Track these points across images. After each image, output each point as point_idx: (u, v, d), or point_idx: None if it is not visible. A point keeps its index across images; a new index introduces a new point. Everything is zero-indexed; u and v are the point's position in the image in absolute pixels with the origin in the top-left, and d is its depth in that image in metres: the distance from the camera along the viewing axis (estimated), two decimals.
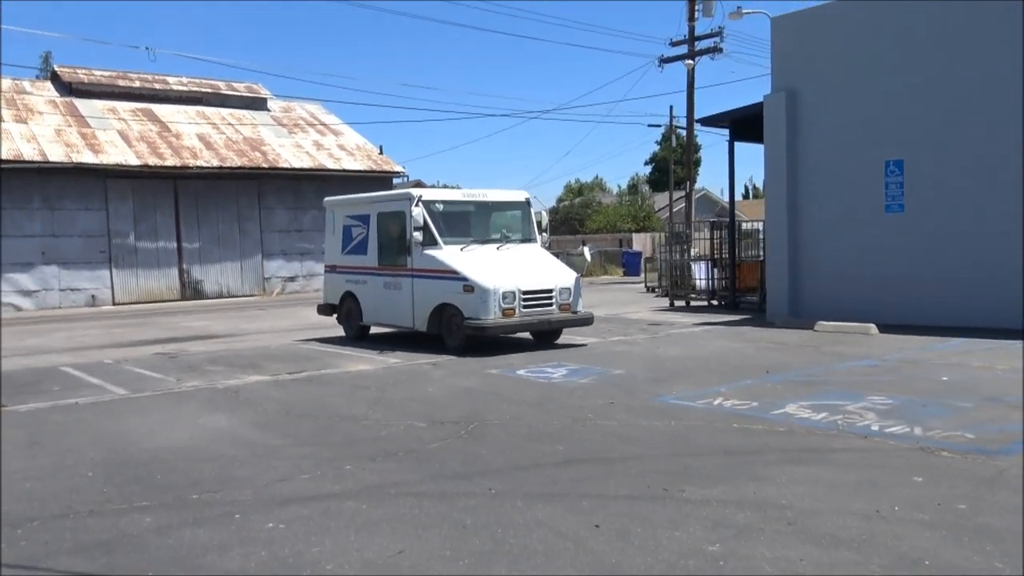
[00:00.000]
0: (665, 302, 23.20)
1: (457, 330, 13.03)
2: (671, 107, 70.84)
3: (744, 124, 20.19)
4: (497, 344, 13.49)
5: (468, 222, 14.36)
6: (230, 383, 10.75)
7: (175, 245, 29.22)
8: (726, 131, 20.46)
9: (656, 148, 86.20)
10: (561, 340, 14.08)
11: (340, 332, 15.89)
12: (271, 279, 31.49)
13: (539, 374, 10.78)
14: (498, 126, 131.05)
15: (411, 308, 13.75)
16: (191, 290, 29.52)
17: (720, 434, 7.22)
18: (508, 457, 6.63)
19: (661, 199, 66.51)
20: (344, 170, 33.08)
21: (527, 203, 14.75)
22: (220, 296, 29.95)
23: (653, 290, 28.00)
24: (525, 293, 12.96)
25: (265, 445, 7.28)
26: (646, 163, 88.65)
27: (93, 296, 27.67)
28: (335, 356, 13.20)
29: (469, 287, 12.72)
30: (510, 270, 13.22)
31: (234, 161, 30.33)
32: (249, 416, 8.61)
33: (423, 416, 8.29)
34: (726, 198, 75.72)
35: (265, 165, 30.99)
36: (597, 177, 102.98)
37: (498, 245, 13.93)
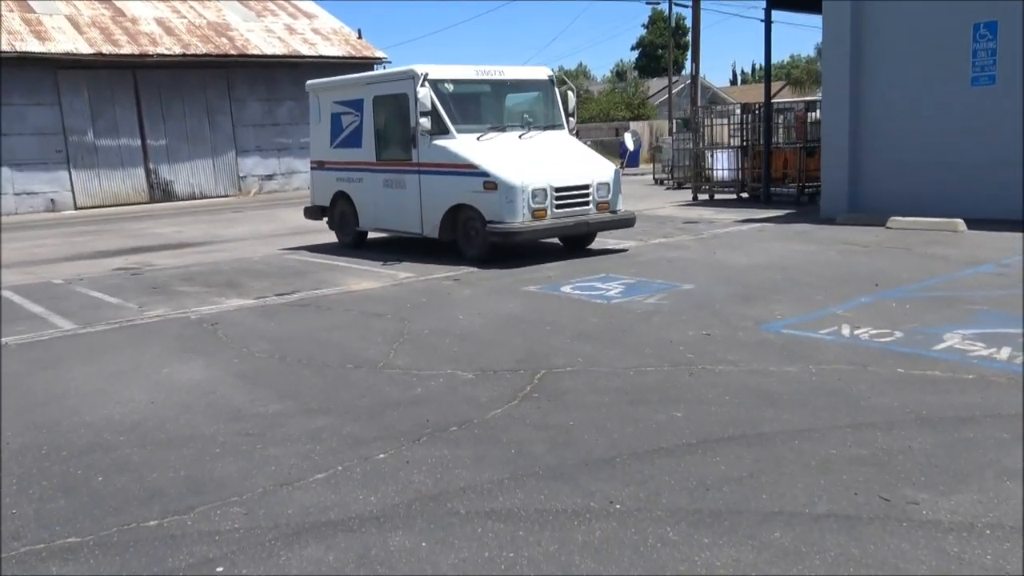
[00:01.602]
0: (683, 195, 21.02)
1: (477, 236, 10.84)
2: None
3: None
4: (523, 252, 11.33)
5: (483, 105, 11.96)
6: (205, 311, 8.59)
7: (139, 143, 26.46)
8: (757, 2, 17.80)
9: (643, 32, 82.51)
10: (595, 245, 11.94)
11: (332, 238, 13.67)
12: (247, 178, 28.92)
13: (590, 291, 8.68)
14: (483, 7, 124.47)
15: (418, 210, 11.50)
16: (160, 192, 26.95)
17: (893, 387, 5.19)
18: (610, 434, 4.57)
19: (653, 85, 63.37)
20: (321, 56, 30.12)
21: (551, 82, 12.33)
22: (192, 198, 27.42)
23: (662, 182, 25.77)
24: (558, 190, 10.73)
25: (257, 415, 5.19)
26: (632, 48, 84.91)
27: (52, 200, 25.08)
28: (331, 270, 11.02)
29: (491, 184, 10.46)
30: (538, 163, 10.94)
31: (198, 48, 27.27)
32: (232, 363, 6.49)
33: (466, 360, 6.20)
34: (718, 84, 72.57)
35: (233, 52, 27.96)
36: (581, 64, 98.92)
37: (520, 133, 11.59)
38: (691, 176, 21.51)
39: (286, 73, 29.22)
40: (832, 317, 7.06)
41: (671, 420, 4.73)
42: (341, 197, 13.13)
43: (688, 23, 67.70)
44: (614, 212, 11.37)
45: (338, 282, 9.98)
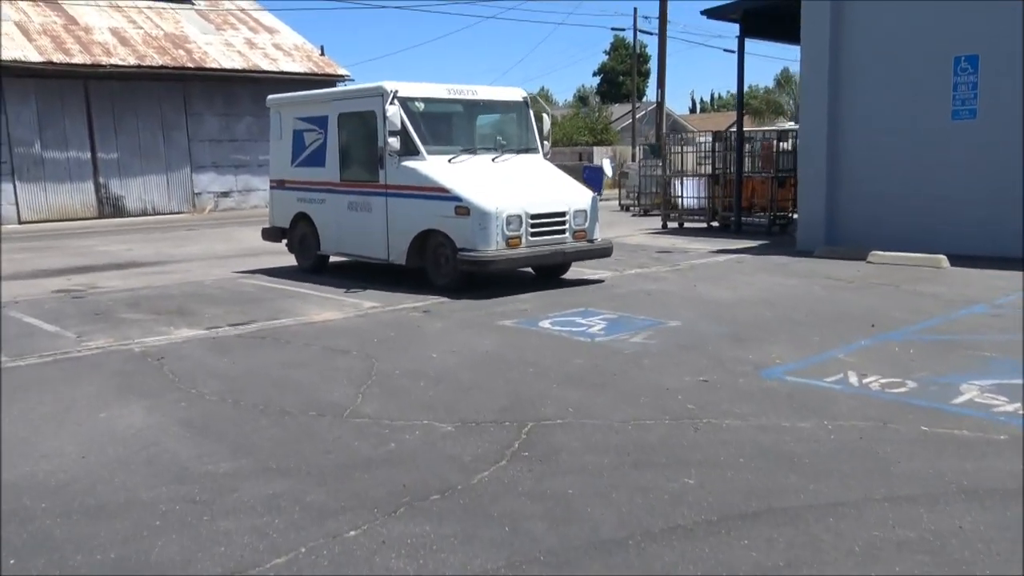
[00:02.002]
0: (652, 223, 20.65)
1: (447, 264, 10.24)
2: (635, 9, 66.62)
3: (759, 17, 17.36)
4: (495, 281, 10.75)
5: (455, 126, 11.41)
6: (151, 342, 7.84)
7: (89, 156, 25.41)
8: (733, 26, 17.54)
9: (605, 59, 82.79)
10: (570, 275, 11.40)
11: (291, 261, 12.95)
12: (202, 195, 27.98)
13: (571, 328, 8.11)
14: (447, 27, 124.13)
15: (385, 235, 10.86)
16: (110, 207, 25.88)
17: (922, 450, 4.68)
18: (617, 506, 3.98)
19: (615, 110, 63.45)
20: (282, 72, 29.36)
21: (525, 103, 11.82)
22: (144, 214, 26.38)
23: (628, 208, 25.43)
24: (533, 217, 10.18)
25: (205, 475, 4.50)
26: (594, 74, 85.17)
27: None
28: (290, 297, 10.31)
29: (463, 209, 9.87)
30: (512, 188, 10.39)
31: (154, 59, 26.38)
32: (179, 407, 5.78)
33: (443, 408, 5.57)
34: (678, 111, 72.98)
35: (191, 65, 27.11)
36: (543, 89, 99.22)
37: (494, 156, 11.04)
38: (658, 203, 21.16)
39: (246, 88, 28.42)
40: (835, 362, 6.57)
41: (684, 489, 4.16)
42: (302, 219, 12.43)
43: (650, 51, 68.16)
44: (591, 241, 10.84)
45: (298, 311, 9.29)
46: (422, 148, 10.44)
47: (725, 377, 6.20)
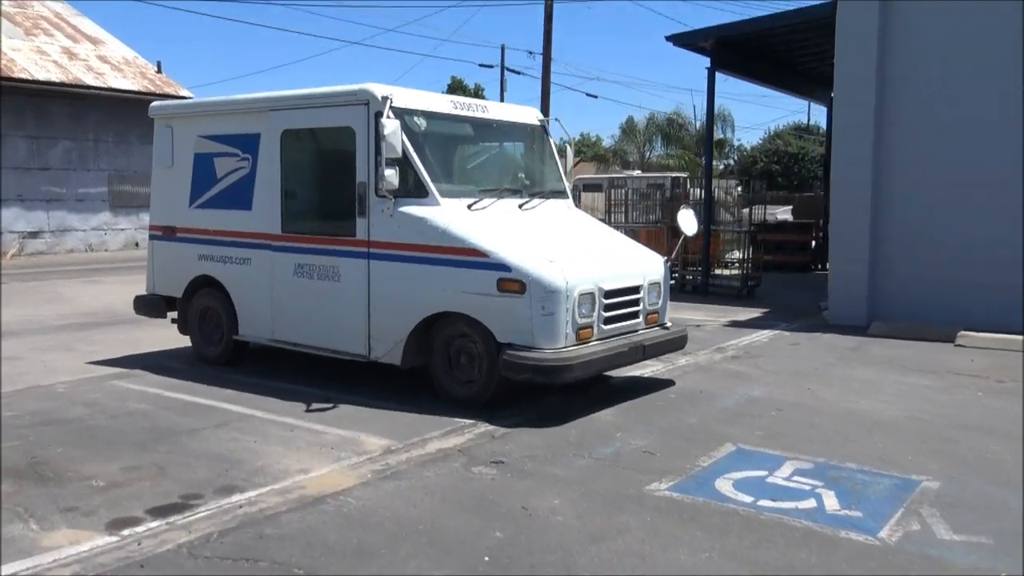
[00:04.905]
0: None
1: (475, 367, 6.60)
2: (503, 46, 64.20)
3: (735, 48, 14.93)
4: (531, 389, 7.19)
5: (466, 155, 7.87)
6: None
7: None
8: (701, 57, 14.99)
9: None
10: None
11: (162, 331, 8.86)
12: (3, 235, 22.27)
13: (780, 500, 4.73)
14: (311, 49, 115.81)
15: (364, 319, 7.03)
16: None
17: None
18: None
19: None
20: (111, 89, 24.29)
21: (543, 128, 8.42)
22: None
23: None
24: (608, 295, 6.77)
25: None
26: None
27: None
28: (223, 425, 6.25)
29: (512, 283, 6.29)
30: (567, 250, 6.95)
31: None
32: None
33: None
34: None
35: None
36: None
37: (521, 201, 7.55)
38: None
39: (63, 106, 23.19)
40: None
41: None
42: (205, 285, 8.34)
43: (487, 94, 65.62)
44: (665, 327, 7.54)
45: (259, 464, 5.33)
46: (432, 187, 6.79)
47: None
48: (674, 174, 34.56)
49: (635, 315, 7.12)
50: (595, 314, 6.61)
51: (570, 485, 4.94)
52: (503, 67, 39.60)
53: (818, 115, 52.74)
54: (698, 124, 46.15)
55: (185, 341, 8.81)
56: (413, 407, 6.67)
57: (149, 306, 8.96)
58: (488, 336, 6.45)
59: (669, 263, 7.77)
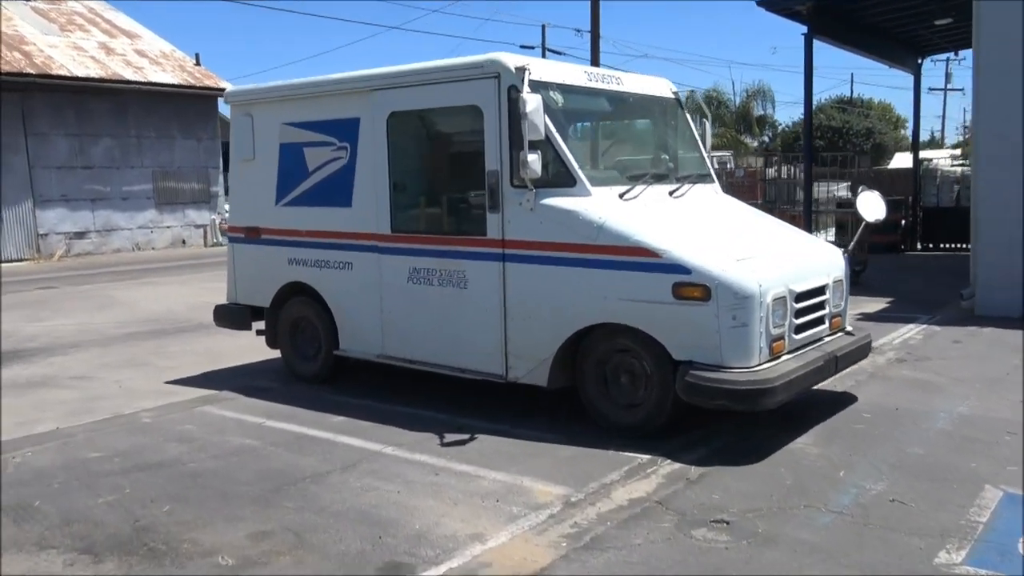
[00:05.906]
0: None
1: (641, 387, 5.49)
2: (543, 25, 62.54)
3: (833, 12, 13.64)
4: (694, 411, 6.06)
5: (607, 135, 6.75)
6: None
7: None
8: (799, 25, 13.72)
9: None
10: None
11: (254, 349, 7.86)
12: (49, 236, 21.54)
13: None
14: (352, 35, 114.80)
15: (500, 332, 5.93)
16: None
17: None
18: None
19: None
20: (151, 83, 23.50)
21: (678, 102, 7.25)
22: None
23: None
24: (799, 298, 5.62)
25: None
26: None
27: None
28: (350, 468, 5.19)
29: (693, 288, 5.15)
30: (744, 244, 5.81)
31: None
32: None
33: None
34: None
35: (31, 71, 20.78)
36: None
37: (672, 186, 6.41)
38: None
39: (103, 102, 22.42)
40: None
41: None
42: (298, 293, 7.31)
43: None
44: (849, 333, 6.38)
45: (416, 524, 4.27)
46: (580, 174, 5.66)
47: None
48: (717, 153, 33.22)
49: (822, 320, 5.96)
50: (787, 322, 5.46)
51: (833, 557, 3.81)
52: (544, 47, 38.28)
53: (861, 88, 50.58)
54: (737, 100, 44.53)
55: (269, 352, 7.80)
56: (563, 436, 5.58)
57: (232, 317, 7.93)
58: (659, 352, 5.33)
59: (848, 256, 6.59)
